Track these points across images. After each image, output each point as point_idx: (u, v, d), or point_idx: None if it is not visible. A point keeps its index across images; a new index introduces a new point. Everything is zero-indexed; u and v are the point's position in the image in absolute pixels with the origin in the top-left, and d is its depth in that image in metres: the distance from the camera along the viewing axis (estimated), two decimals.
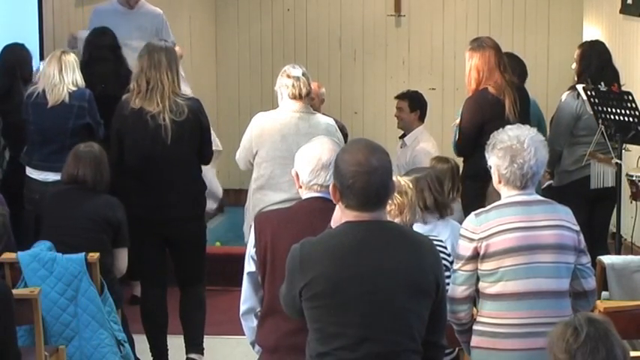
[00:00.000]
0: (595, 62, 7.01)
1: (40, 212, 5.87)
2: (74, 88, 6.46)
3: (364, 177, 3.43)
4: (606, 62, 7.08)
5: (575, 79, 7.13)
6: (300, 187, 4.09)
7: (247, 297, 4.19)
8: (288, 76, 6.03)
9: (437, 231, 5.07)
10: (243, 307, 4.22)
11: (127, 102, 5.98)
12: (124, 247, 5.87)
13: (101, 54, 7.17)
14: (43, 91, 6.42)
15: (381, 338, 3.45)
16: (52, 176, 6.33)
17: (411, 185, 4.77)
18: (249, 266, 4.16)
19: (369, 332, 3.45)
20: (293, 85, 6.01)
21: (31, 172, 6.46)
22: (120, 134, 6.03)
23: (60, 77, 6.41)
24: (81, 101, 6.44)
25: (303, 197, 4.07)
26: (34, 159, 6.44)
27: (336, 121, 8.04)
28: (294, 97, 6.02)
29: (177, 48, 7.63)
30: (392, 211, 4.61)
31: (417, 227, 4.93)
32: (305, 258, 3.49)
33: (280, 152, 5.98)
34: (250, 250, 4.13)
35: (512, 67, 6.82)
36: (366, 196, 3.45)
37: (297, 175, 4.06)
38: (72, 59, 6.50)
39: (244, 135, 6.10)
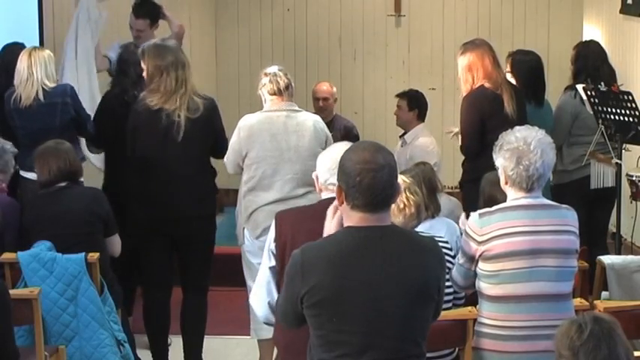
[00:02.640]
0: (591, 61, 7.04)
1: (27, 222, 5.75)
2: (52, 85, 6.43)
3: (371, 174, 3.40)
4: (602, 61, 7.10)
5: (572, 79, 7.14)
6: (320, 190, 4.18)
7: (270, 290, 4.21)
8: (265, 75, 6.06)
9: (434, 229, 5.07)
10: (268, 298, 4.21)
11: (143, 99, 5.98)
12: (115, 233, 5.88)
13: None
14: (17, 88, 6.41)
15: (384, 345, 3.42)
16: None
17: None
18: (270, 261, 4.18)
19: (373, 340, 3.41)
20: (270, 81, 6.03)
21: (25, 173, 6.43)
22: (135, 132, 6.03)
23: (29, 72, 6.36)
24: (64, 97, 6.40)
25: (322, 197, 4.18)
26: (28, 162, 6.39)
27: (347, 122, 8.09)
28: (273, 93, 6.03)
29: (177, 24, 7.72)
30: (410, 215, 4.62)
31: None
32: (306, 264, 3.45)
33: (270, 152, 5.98)
34: (270, 245, 4.16)
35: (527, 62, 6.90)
36: (373, 194, 3.41)
37: (316, 177, 4.13)
38: (44, 55, 6.44)
39: (232, 138, 6.08)
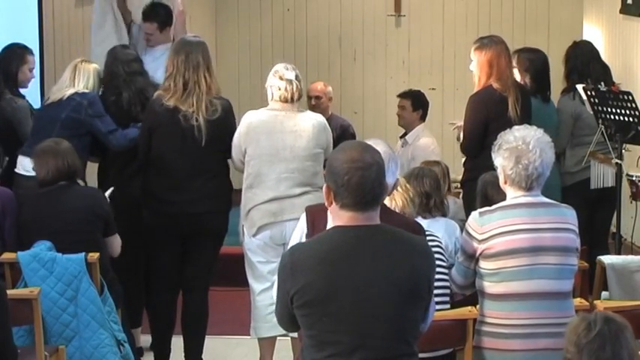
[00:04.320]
0: (580, 60, 7.07)
1: (26, 219, 5.74)
2: (84, 91, 6.43)
3: (359, 172, 3.40)
4: (592, 58, 7.13)
5: (565, 80, 7.15)
6: None
7: None
8: (281, 78, 6.01)
9: (432, 228, 5.06)
10: None
11: (160, 99, 6.01)
12: (114, 234, 5.88)
13: None
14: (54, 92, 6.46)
15: (375, 345, 3.42)
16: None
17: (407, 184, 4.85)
18: None
19: (363, 339, 3.41)
20: (286, 89, 5.99)
21: (19, 166, 6.41)
22: (150, 131, 6.05)
23: (70, 82, 6.42)
24: (82, 98, 6.40)
25: None
26: (25, 146, 6.42)
27: (343, 121, 8.08)
28: (285, 101, 6.01)
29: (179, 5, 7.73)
30: (404, 202, 4.65)
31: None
32: (295, 265, 3.44)
33: (267, 150, 5.97)
34: (302, 238, 4.13)
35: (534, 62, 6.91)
36: (362, 193, 3.41)
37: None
38: (90, 68, 6.45)
39: (235, 134, 6.09)
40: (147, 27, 7.55)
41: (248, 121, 6.03)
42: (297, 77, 6.04)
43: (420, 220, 5.08)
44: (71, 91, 6.39)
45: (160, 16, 7.55)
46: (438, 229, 5.11)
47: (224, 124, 6.04)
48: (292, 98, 6.01)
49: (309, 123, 6.04)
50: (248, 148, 6.01)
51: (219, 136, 6.01)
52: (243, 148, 6.02)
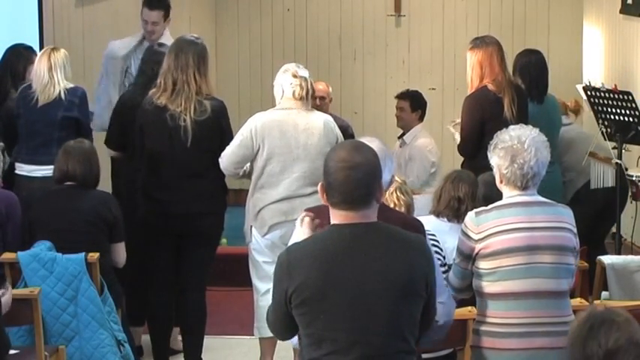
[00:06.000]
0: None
1: (33, 216, 5.76)
2: (69, 86, 6.43)
3: (345, 172, 3.43)
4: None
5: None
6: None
7: None
8: (295, 76, 6.01)
9: (453, 233, 5.02)
10: None
11: (151, 97, 6.03)
12: (121, 241, 5.86)
13: None
14: (35, 89, 6.43)
15: (372, 341, 3.43)
16: (39, 171, 6.28)
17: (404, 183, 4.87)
18: None
19: (360, 336, 3.42)
20: (301, 86, 5.99)
21: (19, 169, 6.42)
22: (142, 129, 6.07)
23: (49, 75, 6.39)
24: (72, 97, 6.41)
25: None
26: (22, 153, 6.40)
27: (342, 122, 8.09)
28: (300, 98, 6.01)
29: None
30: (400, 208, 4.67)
31: (439, 223, 5.04)
32: (292, 263, 3.47)
33: (279, 149, 5.98)
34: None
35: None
36: (345, 192, 3.44)
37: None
38: (62, 55, 6.45)
39: (239, 136, 6.04)
40: (154, 15, 7.33)
41: (260, 122, 6.00)
42: (310, 76, 6.09)
43: (444, 222, 5.11)
44: (56, 91, 6.38)
45: (164, 3, 7.46)
46: (453, 237, 5.02)
47: (213, 125, 6.00)
48: (307, 95, 6.03)
49: (320, 121, 6.06)
50: (260, 149, 5.99)
51: (207, 137, 5.99)
52: (255, 149, 5.98)
